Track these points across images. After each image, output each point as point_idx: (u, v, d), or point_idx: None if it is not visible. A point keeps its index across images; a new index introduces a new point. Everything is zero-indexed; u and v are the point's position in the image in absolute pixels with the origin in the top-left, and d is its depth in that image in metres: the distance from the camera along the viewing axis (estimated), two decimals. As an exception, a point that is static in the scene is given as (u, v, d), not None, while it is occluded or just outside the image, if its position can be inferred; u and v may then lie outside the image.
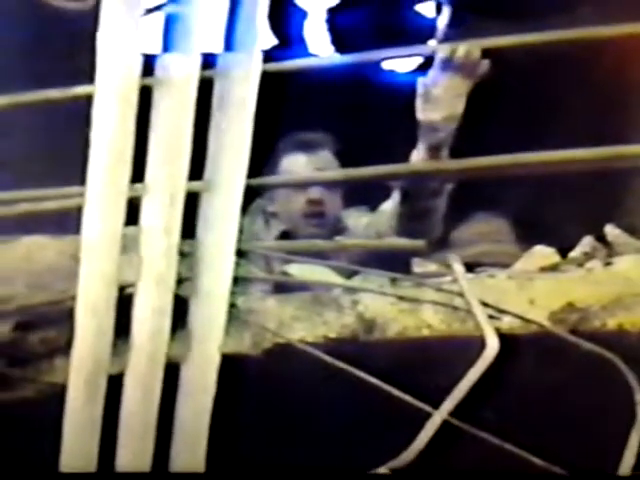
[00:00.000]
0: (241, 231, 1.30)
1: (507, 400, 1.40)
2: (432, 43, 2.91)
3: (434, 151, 1.83)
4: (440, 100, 1.79)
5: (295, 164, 2.17)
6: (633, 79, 2.44)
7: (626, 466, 1.34)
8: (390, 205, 2.06)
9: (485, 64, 1.76)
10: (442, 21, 2.92)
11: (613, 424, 1.38)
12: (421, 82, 1.83)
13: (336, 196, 2.15)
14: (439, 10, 3.14)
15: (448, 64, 1.76)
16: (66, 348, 1.29)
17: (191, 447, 1.32)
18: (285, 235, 2.18)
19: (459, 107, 1.79)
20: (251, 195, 1.32)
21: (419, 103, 1.83)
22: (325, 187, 2.10)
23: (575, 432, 1.45)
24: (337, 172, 2.01)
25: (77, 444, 1.29)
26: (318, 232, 2.11)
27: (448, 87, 1.78)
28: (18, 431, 1.37)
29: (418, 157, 1.86)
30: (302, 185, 2.10)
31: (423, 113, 1.82)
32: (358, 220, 2.15)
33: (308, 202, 2.12)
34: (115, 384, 1.29)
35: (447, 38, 2.70)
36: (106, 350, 1.28)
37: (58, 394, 1.29)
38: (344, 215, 2.17)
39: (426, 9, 3.33)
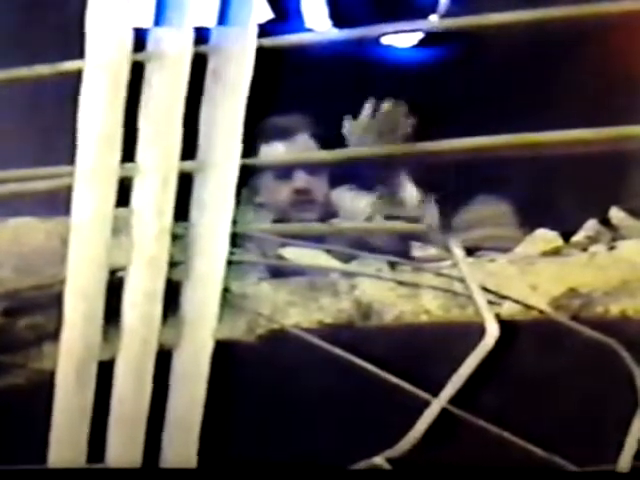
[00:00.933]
0: (235, 221, 1.27)
1: (507, 388, 1.38)
2: (433, 18, 2.87)
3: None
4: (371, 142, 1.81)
5: (274, 152, 2.13)
6: (637, 58, 2.41)
7: (628, 454, 1.32)
8: (414, 192, 2.02)
9: (411, 120, 1.79)
10: (443, -5, 2.87)
11: (614, 411, 1.36)
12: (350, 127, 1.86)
13: (322, 181, 2.12)
14: (441, -17, 3.08)
15: (375, 117, 1.79)
16: (55, 334, 1.26)
17: (184, 434, 1.30)
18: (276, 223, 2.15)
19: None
20: (240, 182, 1.29)
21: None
22: (310, 173, 2.08)
23: (576, 419, 1.43)
24: (327, 153, 1.98)
25: (67, 431, 1.27)
26: (309, 219, 2.08)
27: (376, 137, 1.81)
28: (6, 419, 1.35)
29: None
30: (285, 174, 2.08)
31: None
32: (354, 202, 2.12)
33: (294, 192, 2.09)
34: (106, 370, 1.27)
35: (449, 13, 2.65)
36: (96, 336, 1.26)
37: (47, 381, 1.26)
38: (335, 197, 2.14)
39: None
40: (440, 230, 1.72)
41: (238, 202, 1.13)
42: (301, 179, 2.08)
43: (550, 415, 1.41)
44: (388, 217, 1.91)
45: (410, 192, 1.99)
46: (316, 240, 1.49)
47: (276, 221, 2.14)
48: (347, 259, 1.50)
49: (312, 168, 2.04)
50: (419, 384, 1.30)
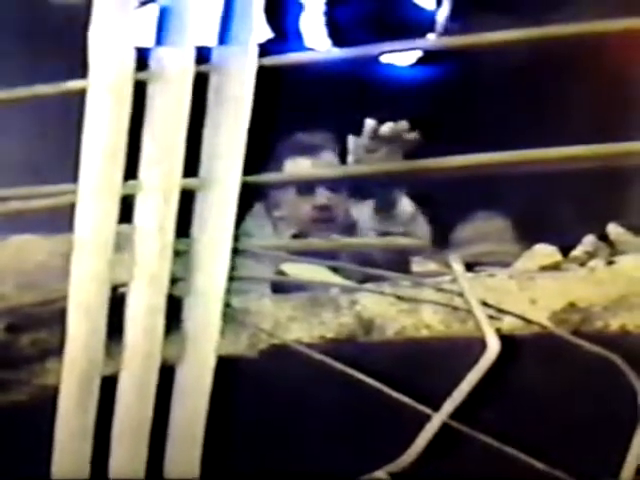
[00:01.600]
0: (248, 234, 1.28)
1: (508, 402, 1.39)
2: (431, 37, 2.89)
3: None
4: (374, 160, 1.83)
5: (298, 168, 2.15)
6: (634, 75, 2.43)
7: (629, 469, 1.32)
8: (408, 208, 2.04)
9: (413, 136, 1.80)
10: (442, 14, 2.89)
11: (616, 426, 1.36)
12: (352, 146, 1.88)
13: (343, 198, 2.13)
14: (439, 3, 3.11)
15: (376, 137, 1.80)
16: (58, 349, 1.26)
17: (186, 449, 1.30)
18: (297, 238, 2.16)
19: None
20: (251, 197, 1.30)
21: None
22: (330, 190, 2.09)
23: (577, 434, 1.43)
24: (337, 169, 1.99)
25: (70, 446, 1.27)
26: (329, 234, 2.09)
27: (379, 156, 1.82)
28: (9, 435, 1.35)
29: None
30: (307, 190, 2.09)
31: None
32: (368, 213, 2.13)
33: (315, 208, 2.11)
34: (108, 386, 1.27)
35: (447, 31, 2.68)
36: (99, 351, 1.26)
37: (50, 397, 1.26)
38: (355, 212, 2.16)
39: (426, 2, 3.30)
40: (437, 245, 1.73)
41: (254, 215, 1.15)
42: (322, 195, 2.10)
43: (551, 429, 1.42)
44: (384, 233, 1.93)
45: (405, 208, 2.01)
46: (320, 255, 1.49)
47: (296, 236, 2.15)
48: (350, 275, 1.51)
49: (333, 184, 2.06)
50: (420, 398, 1.31)
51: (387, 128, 1.77)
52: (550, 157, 1.47)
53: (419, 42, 1.74)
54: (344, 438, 1.41)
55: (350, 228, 2.12)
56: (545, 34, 1.50)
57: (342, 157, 2.12)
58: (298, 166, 2.15)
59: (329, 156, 2.16)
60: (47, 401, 1.27)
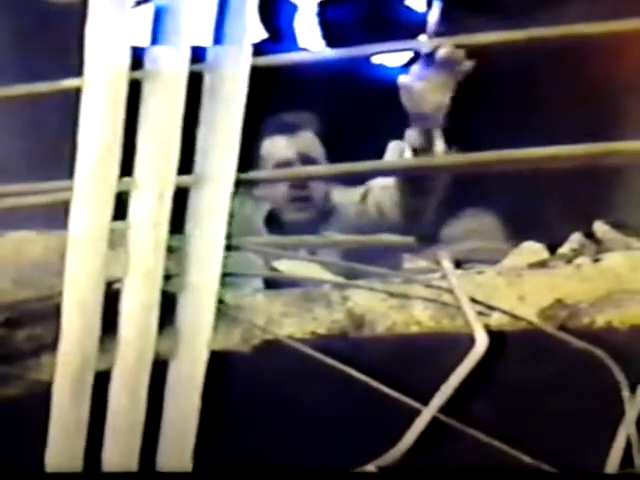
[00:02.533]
0: (232, 214, 1.29)
1: (496, 397, 1.40)
2: (422, 38, 2.91)
3: (426, 133, 1.84)
4: (424, 95, 1.79)
5: (275, 146, 2.15)
6: (620, 76, 2.45)
7: (613, 462, 1.34)
8: (391, 180, 2.04)
9: (468, 64, 1.77)
10: (433, 16, 2.91)
11: (601, 421, 1.38)
12: (403, 79, 1.84)
13: (323, 179, 2.12)
14: (429, 5, 3.13)
15: (431, 61, 1.76)
16: (53, 345, 1.28)
17: (179, 444, 1.32)
18: (271, 216, 2.16)
19: (445, 100, 1.80)
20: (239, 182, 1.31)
21: (404, 97, 1.84)
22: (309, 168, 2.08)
23: (564, 429, 1.45)
24: (326, 167, 2.00)
25: (63, 441, 1.28)
26: (305, 216, 2.10)
27: (431, 84, 1.79)
28: (4, 429, 1.36)
29: (411, 137, 1.86)
30: (285, 168, 2.08)
31: (409, 106, 1.84)
32: (349, 196, 2.14)
33: (291, 187, 2.10)
34: (102, 381, 1.28)
35: (438, 33, 2.69)
36: (93, 347, 1.27)
37: (44, 391, 1.28)
38: (333, 194, 2.15)
39: (416, 3, 3.32)
40: (427, 242, 1.74)
41: (239, 194, 1.16)
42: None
43: (538, 423, 1.43)
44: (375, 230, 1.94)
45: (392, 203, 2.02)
46: (310, 249, 1.51)
47: (270, 213, 2.15)
48: (341, 271, 1.52)
49: (312, 165, 2.05)
50: (410, 393, 1.32)
51: (444, 51, 1.73)
52: (538, 156, 1.49)
53: (410, 43, 1.76)
54: (335, 432, 1.42)
55: (328, 213, 2.11)
56: (535, 35, 1.52)
57: (324, 137, 2.12)
58: (276, 145, 2.14)
59: (308, 135, 2.16)
60: (41, 395, 1.28)
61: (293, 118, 2.17)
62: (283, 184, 2.10)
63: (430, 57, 1.77)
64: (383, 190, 2.09)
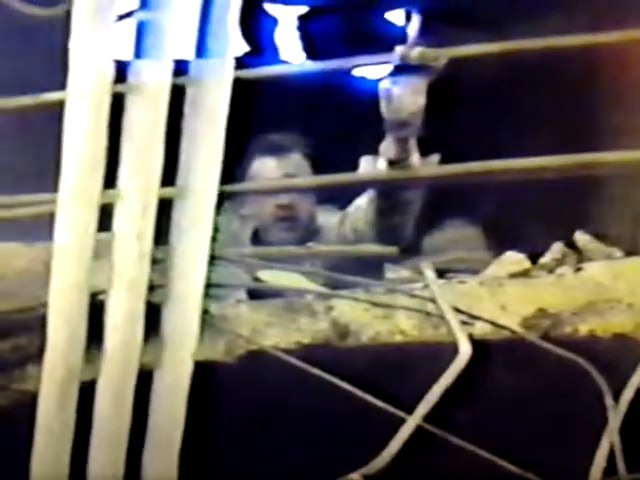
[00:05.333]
0: (217, 229, 1.29)
1: (480, 405, 1.41)
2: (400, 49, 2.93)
3: (402, 143, 1.86)
4: (403, 99, 1.81)
5: (265, 167, 2.17)
6: (600, 87, 2.48)
7: (597, 470, 1.35)
8: (365, 199, 2.07)
9: (441, 62, 1.78)
10: (412, 29, 2.94)
11: (584, 429, 1.39)
12: (382, 85, 1.86)
13: (307, 199, 2.15)
14: (409, 18, 3.16)
15: (405, 65, 1.78)
16: (38, 355, 1.27)
17: (164, 455, 1.32)
18: (257, 234, 2.18)
19: (421, 102, 1.82)
20: (223, 197, 1.32)
21: (383, 105, 1.86)
22: (295, 191, 2.11)
23: (547, 437, 1.46)
24: (310, 179, 2.02)
25: (49, 452, 1.28)
26: (290, 235, 2.11)
27: (408, 87, 1.80)
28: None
29: (387, 148, 1.88)
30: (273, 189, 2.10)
31: (388, 112, 1.85)
32: (331, 218, 2.16)
33: (277, 207, 2.12)
34: (87, 391, 1.28)
35: (417, 46, 2.72)
36: (78, 357, 1.27)
37: (30, 402, 1.27)
38: (317, 214, 2.18)
39: (396, 17, 3.35)
40: (409, 253, 1.75)
41: (225, 211, 1.17)
42: (284, 195, 2.11)
43: (522, 432, 1.44)
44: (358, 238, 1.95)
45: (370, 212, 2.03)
46: (294, 262, 1.52)
47: (256, 232, 2.16)
48: (325, 282, 1.53)
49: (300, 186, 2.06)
50: (395, 402, 1.33)
51: (416, 52, 1.75)
52: (519, 167, 1.51)
53: (390, 56, 1.78)
54: (320, 441, 1.43)
55: (313, 233, 2.13)
56: (514, 48, 1.54)
57: (312, 159, 2.14)
58: (265, 166, 2.17)
59: (297, 157, 2.18)
60: (27, 406, 1.28)
61: (282, 139, 2.20)
62: (269, 203, 2.13)
63: (403, 62, 1.79)
64: (356, 211, 2.11)
